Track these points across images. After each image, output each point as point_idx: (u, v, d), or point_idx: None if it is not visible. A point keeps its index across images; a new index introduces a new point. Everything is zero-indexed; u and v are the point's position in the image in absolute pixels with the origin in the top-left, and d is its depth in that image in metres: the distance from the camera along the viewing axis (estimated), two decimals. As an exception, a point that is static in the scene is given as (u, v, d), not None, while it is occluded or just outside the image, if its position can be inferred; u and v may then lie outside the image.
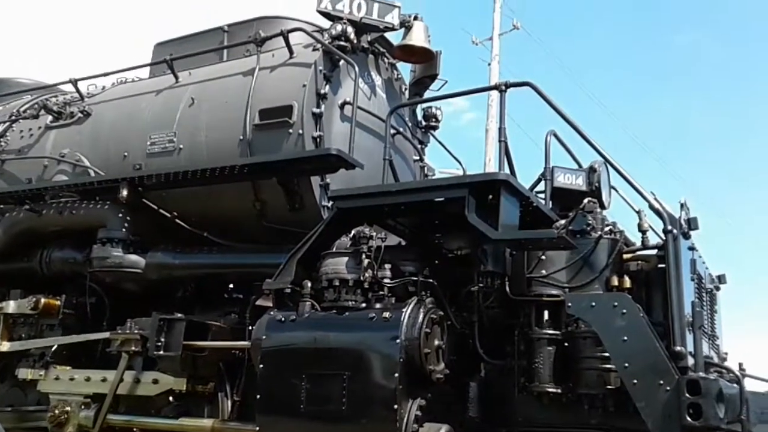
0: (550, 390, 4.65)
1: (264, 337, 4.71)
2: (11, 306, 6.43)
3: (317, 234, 4.84)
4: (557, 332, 4.74)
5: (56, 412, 5.87)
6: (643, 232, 4.90)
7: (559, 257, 4.80)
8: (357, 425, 4.31)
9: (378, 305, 4.55)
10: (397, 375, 4.23)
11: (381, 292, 4.60)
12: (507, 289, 4.83)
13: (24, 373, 6.27)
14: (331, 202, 5.19)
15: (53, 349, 6.22)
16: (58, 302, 6.40)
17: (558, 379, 4.67)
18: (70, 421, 5.85)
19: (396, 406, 4.19)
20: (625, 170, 5.04)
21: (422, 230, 5.26)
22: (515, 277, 4.86)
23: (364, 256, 4.60)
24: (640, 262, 4.87)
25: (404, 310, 4.39)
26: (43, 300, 6.32)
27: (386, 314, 4.41)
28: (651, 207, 4.75)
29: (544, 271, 4.80)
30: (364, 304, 4.59)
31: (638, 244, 5.00)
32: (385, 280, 4.62)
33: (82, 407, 5.87)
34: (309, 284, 4.71)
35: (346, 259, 4.68)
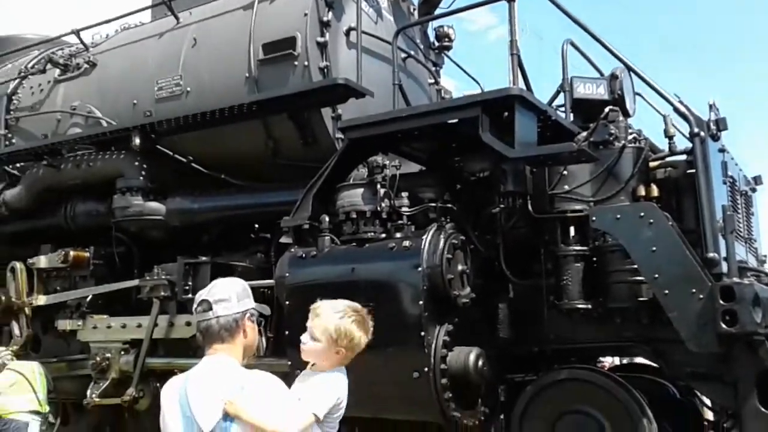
0: (580, 306, 4.58)
1: (287, 274, 4.70)
2: (42, 261, 6.53)
3: (331, 167, 4.75)
4: (584, 248, 4.63)
5: (98, 359, 6.04)
6: (670, 137, 4.70)
7: (582, 171, 4.64)
8: (385, 354, 4.29)
9: (398, 235, 4.48)
10: (421, 303, 4.19)
11: (400, 222, 4.52)
12: (530, 208, 4.71)
13: (63, 325, 6.42)
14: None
15: (88, 299, 6.33)
16: (87, 254, 6.47)
17: (588, 295, 4.59)
18: (112, 368, 6.01)
19: (423, 333, 4.17)
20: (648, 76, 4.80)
21: (440, 155, 5.12)
22: (537, 195, 4.73)
23: (379, 185, 4.50)
24: (667, 169, 4.70)
25: (424, 237, 4.31)
26: (72, 253, 6.40)
27: (406, 243, 4.33)
28: (676, 110, 4.53)
29: (566, 187, 4.66)
30: (383, 235, 4.53)
31: (665, 150, 4.80)
32: (403, 209, 4.53)
33: (122, 353, 6.02)
34: (327, 219, 4.65)
35: (361, 190, 4.60)
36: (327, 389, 2.33)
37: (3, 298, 6.62)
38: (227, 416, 2.15)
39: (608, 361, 6.20)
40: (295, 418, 2.20)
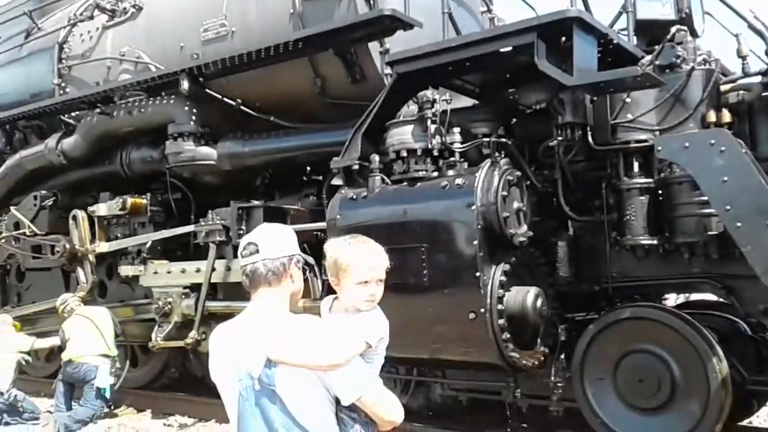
0: (645, 242, 4.40)
1: (338, 216, 4.62)
2: (102, 208, 6.65)
3: (379, 104, 4.59)
4: (649, 180, 4.42)
5: (160, 303, 6.17)
6: (743, 57, 4.38)
7: (646, 98, 4.37)
8: (441, 295, 4.23)
9: (450, 172, 4.32)
10: (476, 242, 4.07)
11: (452, 159, 4.36)
12: (590, 139, 4.47)
13: (125, 270, 6.58)
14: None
15: (147, 245, 6.44)
16: (145, 201, 6.55)
17: (653, 230, 4.39)
18: (174, 311, 6.14)
19: (478, 274, 4.05)
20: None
21: (493, 87, 4.89)
22: (598, 126, 4.50)
23: (429, 121, 4.32)
24: (740, 92, 4.37)
25: (478, 174, 4.15)
26: (129, 200, 6.49)
27: (459, 181, 4.18)
28: (751, 27, 4.17)
29: (630, 116, 4.41)
30: (435, 173, 4.38)
31: (738, 72, 4.46)
32: (455, 145, 4.35)
33: (183, 297, 6.12)
34: (377, 158, 4.52)
35: (411, 127, 4.44)
36: (376, 321, 2.26)
37: (68, 245, 6.80)
38: (270, 362, 2.10)
39: (672, 298, 5.96)
40: (345, 347, 2.13)
